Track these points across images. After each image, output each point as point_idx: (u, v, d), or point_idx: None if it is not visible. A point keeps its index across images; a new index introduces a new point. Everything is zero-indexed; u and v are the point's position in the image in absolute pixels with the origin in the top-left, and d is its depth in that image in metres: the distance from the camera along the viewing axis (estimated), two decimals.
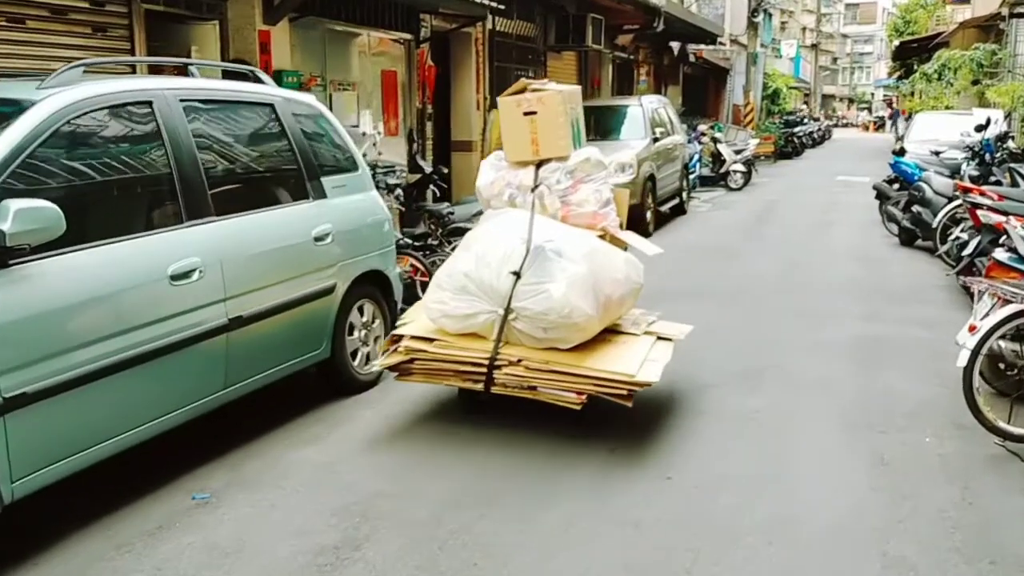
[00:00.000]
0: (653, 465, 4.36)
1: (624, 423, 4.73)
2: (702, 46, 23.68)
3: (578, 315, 4.36)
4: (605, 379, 4.34)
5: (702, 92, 27.50)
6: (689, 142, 17.02)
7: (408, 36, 10.39)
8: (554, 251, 4.45)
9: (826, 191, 18.09)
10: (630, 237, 5.17)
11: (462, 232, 8.42)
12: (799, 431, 4.83)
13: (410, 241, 8.08)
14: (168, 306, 3.98)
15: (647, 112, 12.96)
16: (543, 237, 4.52)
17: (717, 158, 18.88)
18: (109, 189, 3.97)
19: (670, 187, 13.69)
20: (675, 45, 22.13)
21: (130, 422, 3.85)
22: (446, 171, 9.81)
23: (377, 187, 8.46)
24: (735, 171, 18.64)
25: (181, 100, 4.36)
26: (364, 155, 9.13)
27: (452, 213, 8.37)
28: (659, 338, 4.97)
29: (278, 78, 7.94)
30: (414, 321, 4.86)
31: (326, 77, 9.02)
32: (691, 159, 16.70)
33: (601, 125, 12.94)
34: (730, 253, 10.74)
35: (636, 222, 11.77)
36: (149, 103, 4.19)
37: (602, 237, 4.89)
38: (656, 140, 12.81)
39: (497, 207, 4.98)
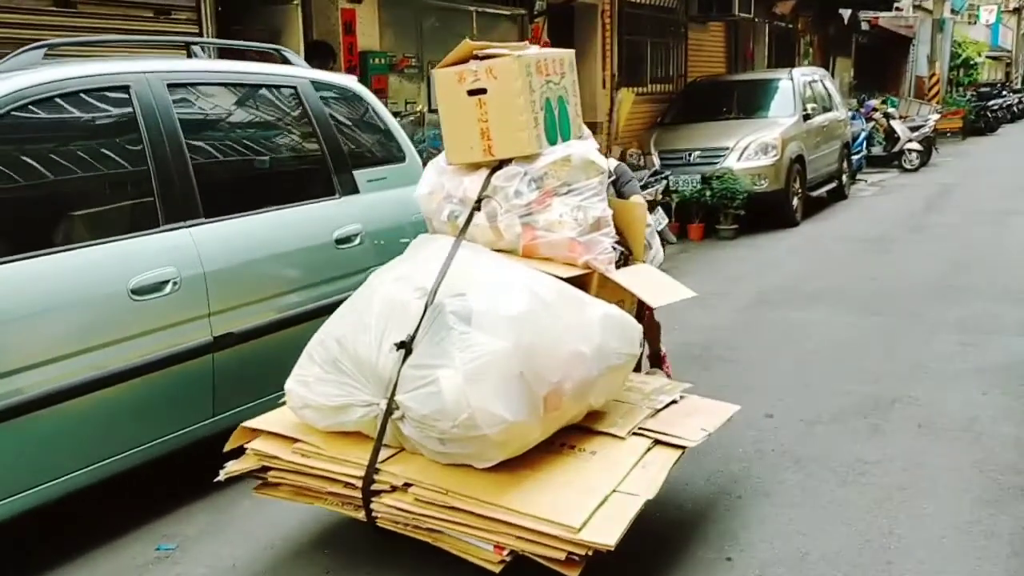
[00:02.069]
0: (709, 537, 3.42)
1: (679, 472, 3.81)
2: (877, 13, 21.51)
3: (487, 423, 2.70)
4: (529, 529, 2.68)
5: (878, 64, 25.13)
6: (854, 118, 15.36)
7: (520, 11, 9.61)
8: (458, 313, 2.84)
9: (1017, 173, 15.87)
10: (631, 278, 3.45)
11: None
12: (923, 494, 3.73)
13: None
14: (127, 326, 3.41)
15: (798, 86, 11.61)
16: (454, 287, 2.94)
17: (890, 136, 16.99)
18: (58, 192, 3.45)
19: (825, 169, 12.27)
20: (845, 13, 20.16)
21: (77, 459, 3.31)
22: None
23: None
24: (910, 150, 16.72)
25: (169, 85, 3.80)
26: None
27: None
28: (658, 442, 3.15)
29: (363, 60, 7.41)
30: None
31: (423, 57, 8.40)
32: (857, 138, 15.06)
33: (744, 101, 11.76)
34: (885, 247, 9.34)
35: (779, 209, 10.59)
36: (126, 88, 3.65)
37: (584, 280, 3.32)
38: (808, 117, 11.45)
39: (441, 230, 3.55)
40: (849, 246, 9.47)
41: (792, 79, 11.73)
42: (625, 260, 3.56)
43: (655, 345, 4.84)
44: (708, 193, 10.06)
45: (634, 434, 3.17)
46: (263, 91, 4.31)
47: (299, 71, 4.56)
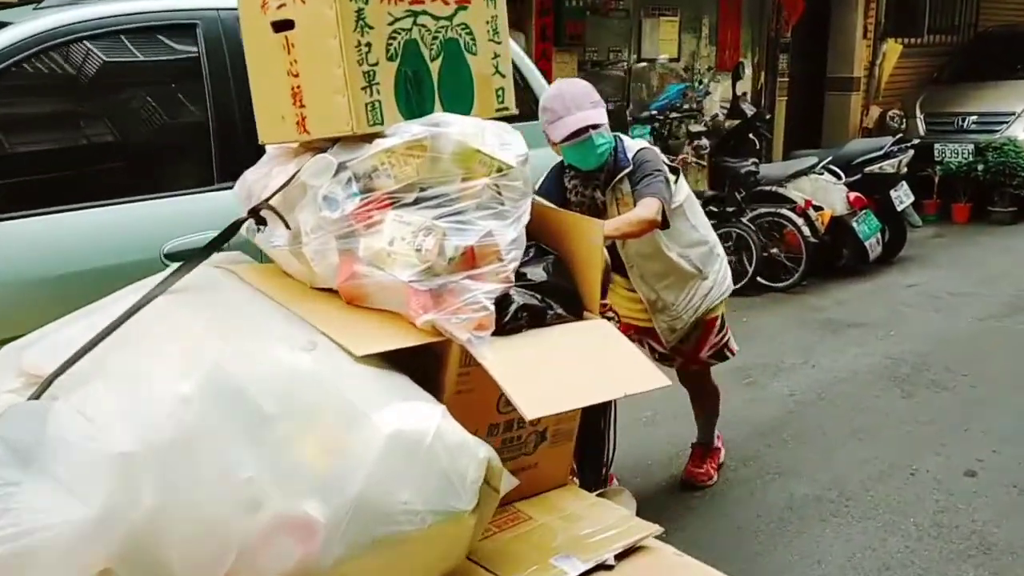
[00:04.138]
0: None
1: (807, 538, 2.86)
2: None
3: None
4: None
5: None
6: None
7: None
8: (10, 442, 1.50)
9: None
10: (507, 361, 1.83)
11: (771, 197, 6.57)
12: None
13: None
14: None
15: None
16: (72, 379, 1.64)
17: None
18: (92, 143, 3.13)
19: None
20: None
21: None
22: (769, 116, 7.82)
23: (672, 136, 6.99)
24: None
25: None
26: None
27: (756, 172, 6.49)
28: None
29: (558, 2, 6.71)
30: None
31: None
32: None
33: (1009, 59, 9.66)
34: None
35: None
36: (192, 27, 3.25)
37: (439, 356, 1.91)
38: None
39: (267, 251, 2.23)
40: None
41: None
42: (547, 315, 2.00)
43: (705, 430, 3.54)
44: (981, 167, 8.37)
45: None
46: None
47: None
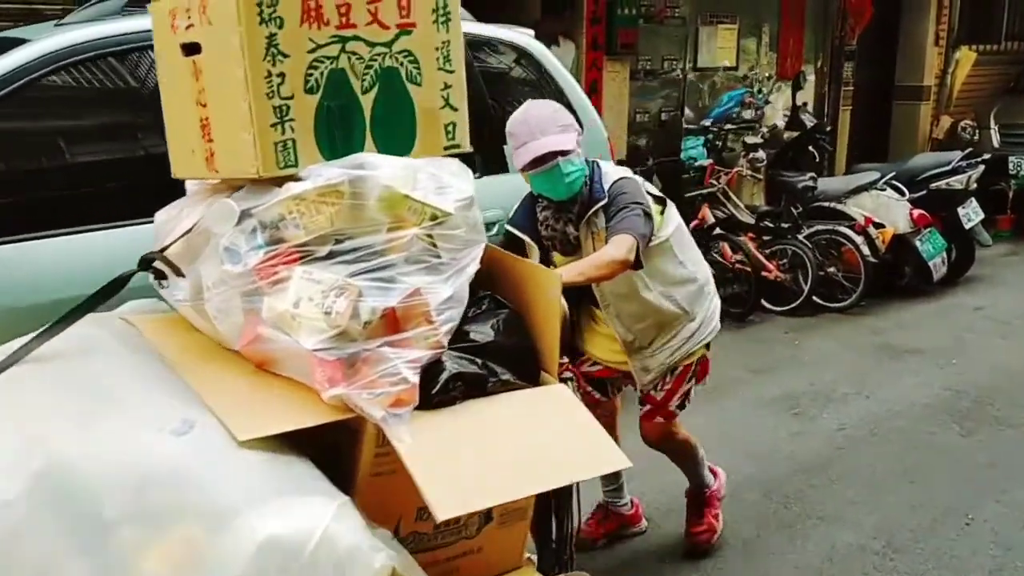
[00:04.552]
0: None
1: None
2: None
3: None
4: None
5: None
6: None
7: None
8: None
9: None
10: (418, 449, 1.55)
11: (830, 214, 6.28)
12: None
13: (751, 221, 6.20)
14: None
15: None
16: None
17: None
18: (110, 163, 3.06)
19: None
20: None
21: None
22: (830, 128, 7.49)
23: (726, 148, 6.74)
24: None
25: None
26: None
27: (814, 187, 6.22)
28: None
29: (609, 10, 6.52)
30: None
31: (692, 7, 7.28)
32: None
33: None
34: None
35: None
36: None
37: (353, 432, 1.63)
38: None
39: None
40: None
41: None
42: (489, 383, 1.74)
43: (694, 474, 3.16)
44: None
45: None
46: None
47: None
